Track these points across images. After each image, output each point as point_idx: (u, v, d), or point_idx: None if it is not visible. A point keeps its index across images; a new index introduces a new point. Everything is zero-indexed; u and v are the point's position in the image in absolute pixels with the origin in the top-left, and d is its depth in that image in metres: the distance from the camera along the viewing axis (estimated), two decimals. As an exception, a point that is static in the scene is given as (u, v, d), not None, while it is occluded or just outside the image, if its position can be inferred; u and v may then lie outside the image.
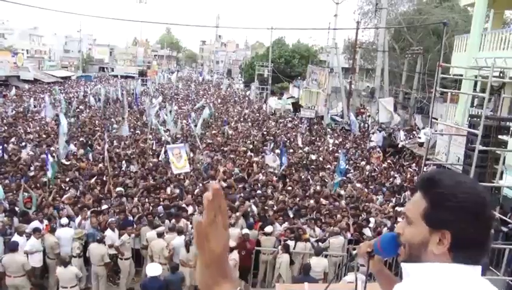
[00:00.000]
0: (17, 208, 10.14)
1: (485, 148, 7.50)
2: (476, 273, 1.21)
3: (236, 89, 57.85)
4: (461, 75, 14.58)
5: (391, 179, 16.01)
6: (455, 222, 1.21)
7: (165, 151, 16.21)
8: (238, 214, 10.39)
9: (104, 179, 13.00)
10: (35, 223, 9.16)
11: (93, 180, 12.96)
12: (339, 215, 11.00)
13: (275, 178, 14.71)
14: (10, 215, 9.69)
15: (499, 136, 7.70)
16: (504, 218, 8.92)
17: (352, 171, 16.99)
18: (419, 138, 20.31)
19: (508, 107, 14.61)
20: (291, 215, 10.99)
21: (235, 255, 8.58)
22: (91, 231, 9.30)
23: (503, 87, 13.47)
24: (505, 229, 9.93)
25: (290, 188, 13.57)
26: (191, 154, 16.42)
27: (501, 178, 8.04)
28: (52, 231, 8.92)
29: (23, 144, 17.56)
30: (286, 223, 10.41)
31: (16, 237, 8.52)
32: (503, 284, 7.98)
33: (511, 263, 8.58)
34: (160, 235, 9.03)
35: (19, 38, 62.15)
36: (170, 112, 24.61)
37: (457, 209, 1.21)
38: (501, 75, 11.36)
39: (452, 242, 1.21)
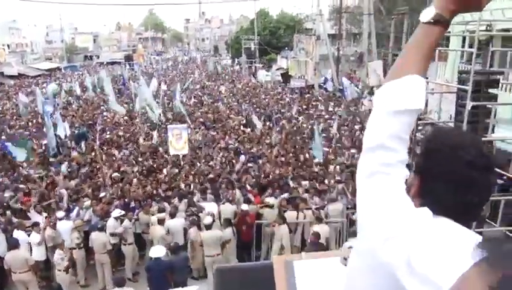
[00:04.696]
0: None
1: (475, 103, 7.49)
2: (443, 224, 1.11)
3: (224, 64, 57.29)
4: (449, 32, 14.42)
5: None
6: (423, 166, 1.24)
7: (158, 135, 16.19)
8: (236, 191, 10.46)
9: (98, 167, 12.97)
10: (34, 217, 9.20)
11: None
12: (332, 181, 11.12)
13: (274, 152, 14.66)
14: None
15: (489, 90, 7.68)
16: (498, 170, 9.00)
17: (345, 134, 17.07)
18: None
19: (498, 60, 14.54)
20: (292, 185, 11.07)
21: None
22: (94, 219, 9.33)
23: (492, 41, 13.37)
24: (500, 181, 10.04)
25: (283, 158, 13.58)
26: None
27: (493, 132, 8.06)
28: (53, 226, 8.92)
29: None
30: (286, 193, 10.48)
31: (15, 233, 8.53)
32: (501, 235, 8.12)
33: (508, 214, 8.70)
34: (160, 221, 9.04)
35: (-2, 33, 60.79)
36: (154, 93, 24.33)
37: (426, 154, 1.25)
38: (488, 28, 11.27)
39: (420, 187, 1.24)
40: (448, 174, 1.17)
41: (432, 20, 1.18)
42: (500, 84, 8.10)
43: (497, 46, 13.05)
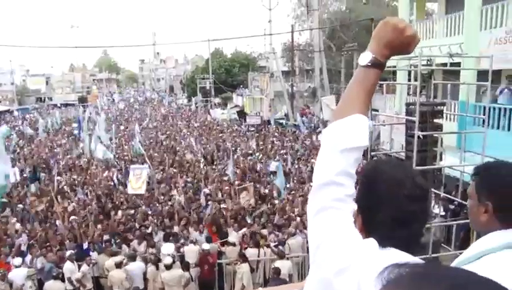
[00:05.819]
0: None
1: (423, 133, 7.86)
2: (389, 254, 1.15)
3: (180, 104, 57.28)
4: (394, 66, 15.22)
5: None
6: (363, 203, 1.30)
7: (117, 176, 15.85)
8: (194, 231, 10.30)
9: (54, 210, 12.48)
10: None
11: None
12: (292, 215, 11.21)
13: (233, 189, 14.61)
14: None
15: (435, 120, 8.10)
16: (448, 196, 9.39)
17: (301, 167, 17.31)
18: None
19: (440, 92, 15.44)
20: (249, 221, 11.04)
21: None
22: (47, 267, 8.83)
23: (433, 74, 14.22)
24: (451, 206, 10.46)
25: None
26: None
27: (441, 159, 8.44)
28: (2, 277, 8.28)
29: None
30: (244, 229, 10.42)
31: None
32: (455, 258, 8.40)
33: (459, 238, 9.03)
34: (118, 265, 8.71)
35: None
36: (110, 138, 23.99)
37: (364, 191, 1.31)
38: (428, 62, 11.99)
39: (363, 222, 1.30)
40: (388, 210, 1.24)
41: (370, 64, 1.30)
42: (444, 114, 8.57)
43: (439, 79, 13.87)
